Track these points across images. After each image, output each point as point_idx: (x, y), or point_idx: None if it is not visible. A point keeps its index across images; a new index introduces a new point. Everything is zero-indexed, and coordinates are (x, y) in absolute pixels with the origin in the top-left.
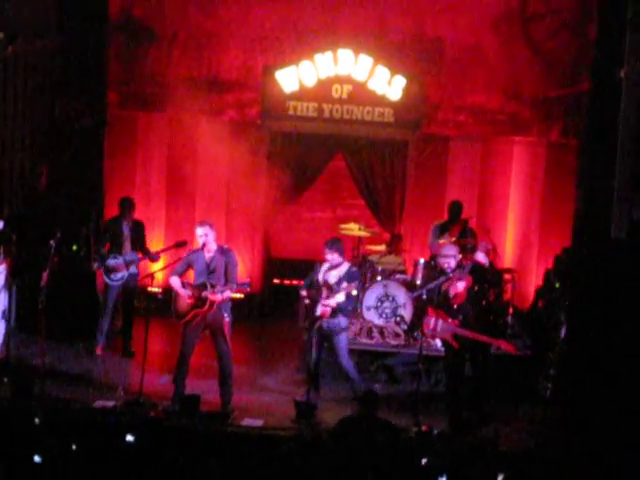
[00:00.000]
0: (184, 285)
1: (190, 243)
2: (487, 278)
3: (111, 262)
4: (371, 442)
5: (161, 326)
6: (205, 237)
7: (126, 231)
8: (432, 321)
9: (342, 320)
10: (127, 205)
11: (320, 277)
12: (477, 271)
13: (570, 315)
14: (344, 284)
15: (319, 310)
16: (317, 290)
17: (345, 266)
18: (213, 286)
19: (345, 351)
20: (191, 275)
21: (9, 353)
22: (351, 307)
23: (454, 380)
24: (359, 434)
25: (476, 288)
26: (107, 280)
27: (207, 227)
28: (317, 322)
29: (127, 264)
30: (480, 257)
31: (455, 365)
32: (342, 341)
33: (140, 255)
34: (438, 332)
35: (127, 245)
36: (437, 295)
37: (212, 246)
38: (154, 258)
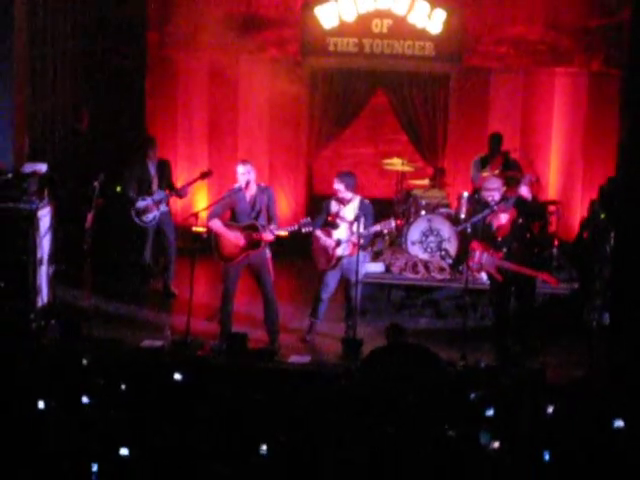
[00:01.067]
0: (229, 227)
1: (230, 182)
2: (531, 211)
3: (141, 204)
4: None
5: (206, 265)
6: (248, 175)
7: (152, 171)
8: (477, 254)
9: (361, 255)
10: (150, 144)
11: (334, 213)
12: (521, 204)
13: (615, 245)
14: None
15: (346, 249)
16: (333, 226)
17: (357, 200)
18: (263, 227)
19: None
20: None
21: (56, 295)
22: (367, 242)
23: (500, 313)
24: (392, 362)
25: (520, 221)
26: (139, 222)
27: (249, 166)
28: (340, 261)
29: (157, 203)
30: (523, 190)
31: (500, 298)
32: (357, 274)
33: (167, 192)
34: (482, 265)
35: (154, 185)
36: (481, 228)
37: (253, 186)
38: (181, 194)
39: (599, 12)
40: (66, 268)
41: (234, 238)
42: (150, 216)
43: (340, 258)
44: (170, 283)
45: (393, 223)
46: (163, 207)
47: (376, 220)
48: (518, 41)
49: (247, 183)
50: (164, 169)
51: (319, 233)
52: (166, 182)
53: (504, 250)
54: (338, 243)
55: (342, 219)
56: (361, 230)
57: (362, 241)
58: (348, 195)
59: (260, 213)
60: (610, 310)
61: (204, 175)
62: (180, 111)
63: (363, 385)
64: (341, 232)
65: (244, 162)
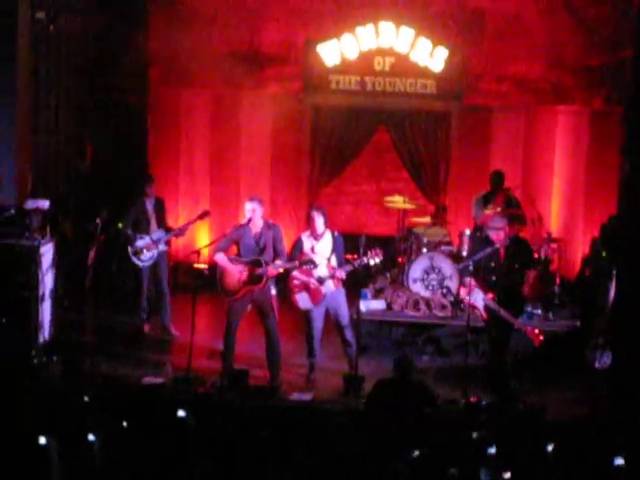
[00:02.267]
0: (233, 261)
1: (232, 218)
2: (526, 259)
3: (139, 243)
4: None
5: (207, 302)
6: (253, 212)
7: (150, 209)
8: (471, 286)
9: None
10: (147, 182)
11: (309, 250)
12: (517, 248)
13: (617, 283)
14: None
15: (331, 285)
16: (310, 264)
17: (328, 234)
18: (267, 263)
19: (350, 318)
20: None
21: (58, 332)
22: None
23: (497, 349)
24: (393, 397)
25: (516, 267)
26: (137, 262)
27: (256, 202)
28: (324, 297)
29: (155, 242)
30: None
31: (498, 334)
32: (347, 309)
33: (166, 231)
34: (472, 297)
35: (153, 223)
36: (483, 265)
37: (259, 222)
38: (179, 234)
39: (601, 50)
40: (68, 304)
41: (237, 273)
42: (148, 255)
43: (324, 295)
44: (168, 324)
45: (380, 253)
46: (162, 246)
47: (364, 252)
48: (520, 79)
49: (249, 220)
50: (161, 207)
51: (297, 274)
52: (162, 221)
53: (496, 291)
54: (321, 281)
55: (318, 255)
56: (334, 263)
57: (344, 275)
58: (321, 229)
59: (265, 249)
60: (612, 349)
61: (203, 215)
62: (182, 147)
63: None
64: (321, 269)
65: (252, 199)
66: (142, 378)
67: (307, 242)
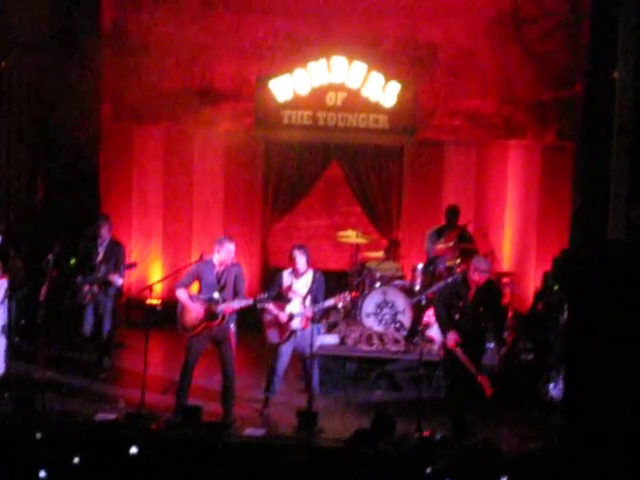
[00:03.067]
0: (192, 298)
1: (185, 254)
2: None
3: (79, 280)
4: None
5: (160, 338)
6: (231, 253)
7: (99, 249)
8: (433, 328)
9: (315, 328)
10: (98, 222)
11: (287, 287)
12: (487, 292)
13: (569, 317)
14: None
15: (299, 323)
16: (286, 301)
17: (310, 273)
18: (224, 300)
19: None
20: (195, 287)
21: (10, 368)
22: (320, 315)
23: (453, 383)
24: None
25: (481, 309)
26: (79, 299)
27: (233, 243)
28: (293, 334)
29: (93, 282)
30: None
31: (454, 369)
32: (310, 347)
33: (105, 273)
34: (431, 330)
35: (99, 264)
36: (446, 300)
37: (228, 261)
38: (117, 279)
39: (552, 85)
40: (20, 340)
41: (195, 309)
42: (85, 294)
43: (293, 332)
44: (103, 358)
45: (348, 297)
46: (95, 288)
47: (327, 293)
48: (472, 114)
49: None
50: (114, 250)
51: (271, 306)
52: (116, 267)
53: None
54: (291, 317)
55: (295, 292)
56: (311, 303)
57: (315, 314)
58: (303, 268)
59: (225, 288)
60: (564, 382)
61: (129, 266)
62: (135, 183)
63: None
64: (294, 306)
65: (230, 240)
66: (95, 414)
67: (287, 279)
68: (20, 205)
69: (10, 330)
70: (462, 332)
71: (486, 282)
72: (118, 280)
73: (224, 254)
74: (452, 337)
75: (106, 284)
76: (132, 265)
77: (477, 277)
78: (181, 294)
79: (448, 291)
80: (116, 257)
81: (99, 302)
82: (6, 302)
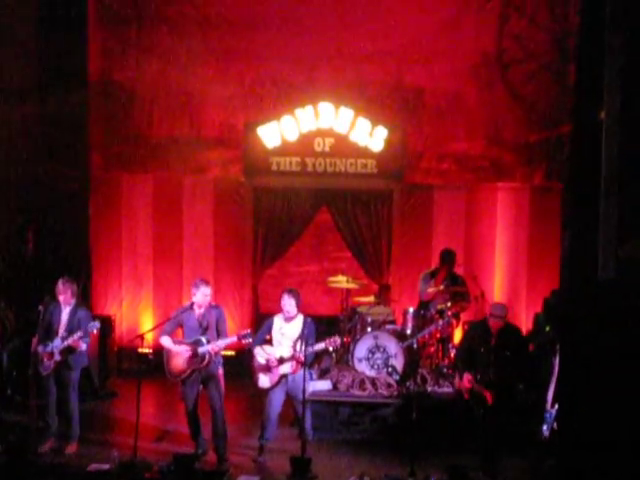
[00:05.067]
0: (177, 343)
1: (175, 301)
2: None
3: (40, 349)
4: None
5: (153, 386)
6: (208, 297)
7: (64, 317)
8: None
9: (307, 373)
10: (64, 287)
11: (278, 331)
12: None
13: (561, 358)
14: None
15: (289, 367)
16: (275, 345)
17: (300, 318)
18: (209, 341)
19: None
20: (180, 334)
21: (2, 419)
22: (311, 360)
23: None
24: None
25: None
26: (40, 370)
27: (209, 287)
28: (284, 379)
29: (52, 352)
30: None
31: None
32: (303, 392)
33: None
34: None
35: (60, 332)
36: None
37: (205, 304)
38: (72, 344)
39: (539, 127)
40: (11, 392)
41: (181, 354)
42: (46, 364)
43: (284, 376)
44: (72, 443)
45: (338, 340)
46: (57, 357)
47: (319, 338)
48: (460, 157)
49: (192, 304)
50: (80, 320)
51: (259, 351)
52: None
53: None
54: (281, 361)
55: (285, 337)
56: (303, 348)
57: (306, 359)
58: (293, 312)
59: (208, 330)
60: (557, 423)
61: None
62: (125, 231)
63: None
64: (284, 350)
65: (207, 284)
66: (88, 464)
67: (277, 323)
68: (10, 256)
69: (2, 382)
70: (489, 377)
71: (505, 326)
72: (82, 346)
73: (200, 297)
74: (466, 377)
75: (69, 352)
76: (91, 326)
77: (493, 323)
78: (165, 341)
79: (469, 336)
80: (79, 323)
81: (61, 373)
82: None
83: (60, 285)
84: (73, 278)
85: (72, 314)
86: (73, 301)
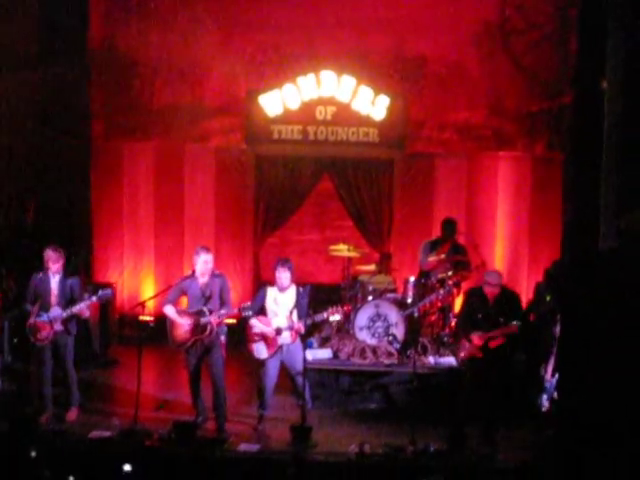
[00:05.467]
0: (180, 313)
1: (176, 269)
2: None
3: (35, 319)
4: None
5: (153, 354)
6: (208, 264)
7: (54, 286)
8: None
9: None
10: (56, 255)
11: (272, 301)
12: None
13: (562, 327)
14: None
15: (288, 337)
16: (270, 315)
17: (293, 288)
18: (211, 312)
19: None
20: (184, 301)
21: (4, 387)
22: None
23: (466, 399)
24: None
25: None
26: (33, 340)
27: (211, 254)
28: (280, 349)
29: (51, 322)
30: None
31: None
32: (303, 361)
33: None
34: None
35: (54, 301)
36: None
37: (208, 273)
38: (76, 314)
39: (541, 96)
40: (12, 360)
41: (183, 324)
42: (43, 334)
43: (281, 346)
44: (71, 408)
45: (340, 310)
46: (57, 326)
47: (320, 306)
48: (461, 126)
49: (193, 272)
50: (72, 288)
51: (255, 322)
52: (69, 299)
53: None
54: (278, 331)
55: (280, 306)
56: (295, 317)
57: (303, 328)
58: (287, 283)
59: (211, 299)
60: (557, 392)
61: (100, 297)
62: (126, 200)
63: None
64: (280, 320)
65: (207, 251)
66: (89, 432)
67: (271, 293)
68: (11, 225)
69: (3, 349)
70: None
71: (501, 292)
72: (87, 312)
73: (201, 265)
74: (475, 336)
75: (68, 320)
76: (103, 296)
77: (489, 290)
78: (169, 310)
79: (467, 303)
80: (72, 291)
81: (59, 342)
82: None
83: (51, 253)
84: (63, 246)
85: (62, 282)
86: (61, 270)
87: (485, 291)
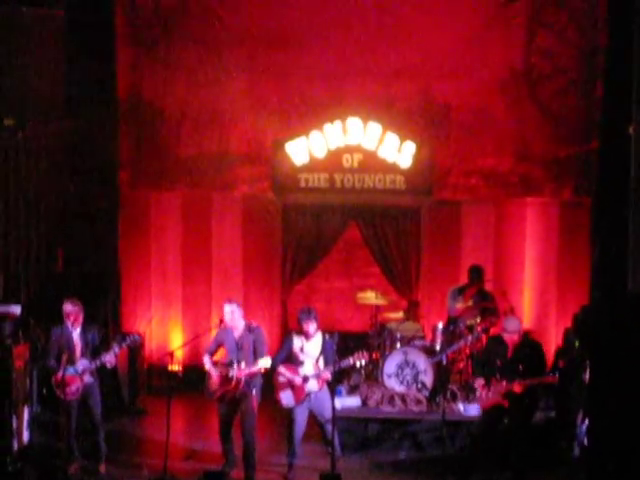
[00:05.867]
0: (215, 364)
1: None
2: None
3: (64, 374)
4: None
5: (183, 404)
6: (231, 315)
7: (76, 338)
8: (483, 394)
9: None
10: (75, 309)
11: (298, 349)
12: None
13: (591, 373)
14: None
15: (315, 385)
16: (297, 363)
17: (319, 335)
18: (239, 363)
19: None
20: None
21: (33, 437)
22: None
23: (483, 446)
24: None
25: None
26: (61, 395)
27: (234, 305)
28: (308, 397)
29: (80, 375)
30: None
31: (488, 430)
32: (332, 409)
33: (91, 362)
34: (490, 399)
35: (78, 354)
36: (484, 361)
37: (239, 324)
38: (105, 363)
39: (568, 141)
40: (42, 410)
41: (214, 375)
42: (73, 388)
43: (308, 394)
44: (100, 462)
45: (366, 355)
46: (87, 378)
47: (347, 353)
48: (488, 173)
49: (221, 321)
50: (92, 337)
51: (283, 370)
52: (91, 350)
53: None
54: (305, 379)
55: (306, 354)
56: (322, 365)
57: (329, 375)
58: (313, 332)
59: (245, 351)
60: (587, 439)
61: (130, 343)
62: (153, 249)
63: None
64: (307, 368)
65: (230, 301)
66: None
67: (297, 341)
68: (39, 274)
69: (32, 400)
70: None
71: (523, 340)
72: (113, 360)
73: (227, 316)
74: (478, 381)
75: (95, 372)
76: (131, 341)
77: (508, 338)
78: (205, 360)
79: (486, 350)
80: (93, 342)
81: (88, 393)
82: (28, 371)
83: (70, 307)
84: (80, 298)
85: (83, 334)
86: (82, 321)
87: (505, 339)
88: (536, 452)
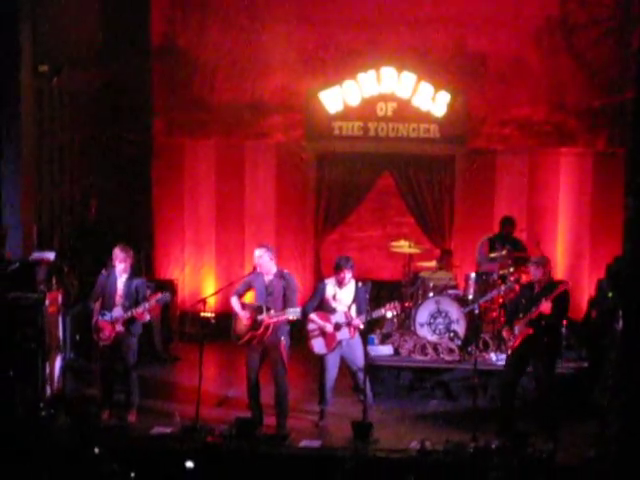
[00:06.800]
0: (243, 306)
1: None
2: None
3: (99, 319)
4: None
5: (214, 351)
6: (260, 259)
7: (120, 286)
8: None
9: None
10: (124, 255)
11: (331, 297)
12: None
13: (624, 324)
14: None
15: (347, 332)
16: (330, 310)
17: (353, 283)
18: (269, 309)
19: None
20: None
21: (65, 383)
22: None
23: (508, 393)
24: None
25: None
26: (97, 339)
27: (263, 249)
28: (339, 344)
29: (113, 322)
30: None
31: (512, 377)
32: (363, 357)
33: (126, 312)
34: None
35: (118, 301)
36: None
37: (271, 269)
38: (137, 316)
39: (603, 92)
40: (75, 356)
41: (243, 317)
42: (106, 333)
43: (340, 342)
44: (130, 409)
45: (398, 306)
46: (119, 327)
47: (380, 302)
48: (522, 122)
49: (254, 267)
50: (137, 290)
51: (314, 317)
52: (134, 301)
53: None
54: (337, 327)
55: (339, 302)
56: (354, 313)
57: (361, 324)
58: (348, 280)
59: (273, 297)
60: (620, 389)
61: (160, 300)
62: (187, 197)
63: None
64: (339, 315)
65: (260, 245)
66: (151, 428)
67: (330, 288)
68: (73, 221)
69: (66, 347)
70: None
71: (551, 281)
72: (147, 317)
73: (256, 261)
74: (505, 330)
75: (130, 322)
76: (161, 298)
77: (533, 269)
78: (233, 301)
79: (518, 298)
80: (137, 292)
81: (122, 341)
82: (61, 318)
83: (118, 252)
84: (130, 246)
85: (128, 283)
86: (130, 269)
87: (530, 270)
88: (568, 403)
